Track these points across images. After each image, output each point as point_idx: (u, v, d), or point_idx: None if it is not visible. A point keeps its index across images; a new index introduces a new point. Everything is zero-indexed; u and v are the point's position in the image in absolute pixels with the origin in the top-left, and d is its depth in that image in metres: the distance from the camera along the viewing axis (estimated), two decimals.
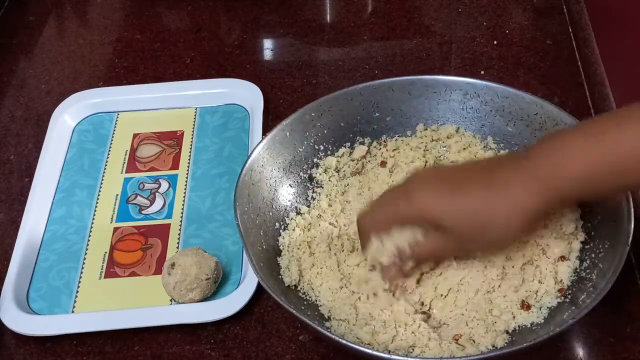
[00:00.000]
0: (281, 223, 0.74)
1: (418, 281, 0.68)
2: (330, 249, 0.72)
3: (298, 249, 0.72)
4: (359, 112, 0.79)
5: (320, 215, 0.75)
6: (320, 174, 0.78)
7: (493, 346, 0.64)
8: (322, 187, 0.77)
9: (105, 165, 0.88)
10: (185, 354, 0.71)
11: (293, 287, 0.69)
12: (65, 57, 1.05)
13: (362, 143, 0.80)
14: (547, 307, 0.66)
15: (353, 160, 0.79)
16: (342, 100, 0.78)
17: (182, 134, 0.91)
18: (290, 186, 0.76)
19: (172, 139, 0.91)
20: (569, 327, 0.60)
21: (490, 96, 0.77)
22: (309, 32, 1.06)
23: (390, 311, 0.67)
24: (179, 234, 0.80)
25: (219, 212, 0.82)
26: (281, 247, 0.72)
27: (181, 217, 0.82)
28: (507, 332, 0.65)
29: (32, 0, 1.14)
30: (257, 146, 0.74)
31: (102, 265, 0.78)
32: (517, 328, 0.65)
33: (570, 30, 1.02)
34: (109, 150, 0.90)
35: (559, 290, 0.67)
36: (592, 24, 0.99)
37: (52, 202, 0.84)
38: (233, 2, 1.10)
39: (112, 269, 0.77)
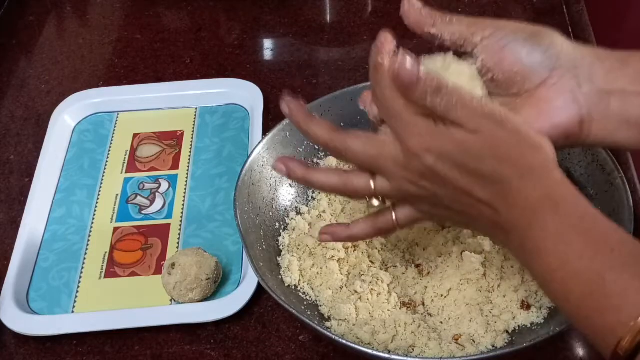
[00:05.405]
0: (281, 223, 0.74)
1: (421, 277, 0.68)
2: (330, 249, 0.72)
3: (298, 249, 0.72)
4: (359, 112, 0.78)
5: (320, 215, 0.75)
6: None
7: (493, 346, 0.64)
8: None
9: (105, 165, 0.88)
10: (185, 354, 0.71)
11: (293, 287, 0.69)
12: (65, 57, 1.05)
13: None
14: (547, 307, 0.66)
15: None
16: (342, 100, 0.78)
17: (182, 134, 0.91)
18: (290, 186, 0.76)
19: (172, 139, 0.91)
20: (569, 327, 0.60)
21: None
22: (309, 32, 1.06)
23: (390, 311, 0.67)
24: (179, 234, 0.80)
25: (219, 212, 0.82)
26: (281, 247, 0.72)
27: (181, 217, 0.82)
28: (507, 332, 0.65)
29: (32, 0, 1.14)
30: (257, 146, 0.74)
31: (102, 265, 0.78)
32: (517, 328, 0.65)
33: (570, 30, 1.02)
34: (109, 150, 0.90)
35: None
36: (592, 24, 0.99)
37: (52, 202, 0.84)
38: (233, 2, 1.10)
39: (112, 269, 0.77)
